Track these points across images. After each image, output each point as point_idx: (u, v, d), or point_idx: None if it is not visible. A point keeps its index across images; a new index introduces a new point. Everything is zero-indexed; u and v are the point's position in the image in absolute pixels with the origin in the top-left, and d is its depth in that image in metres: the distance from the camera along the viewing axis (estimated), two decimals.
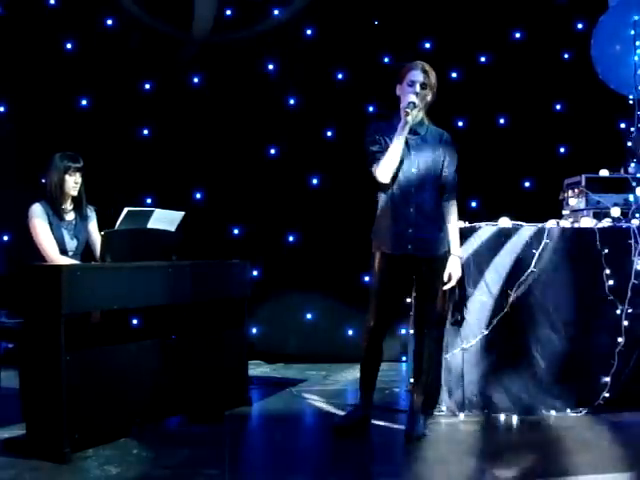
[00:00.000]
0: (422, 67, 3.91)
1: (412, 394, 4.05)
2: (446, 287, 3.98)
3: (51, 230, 4.31)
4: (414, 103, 3.83)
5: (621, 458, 3.66)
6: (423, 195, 3.89)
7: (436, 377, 4.07)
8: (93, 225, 4.52)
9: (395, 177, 3.89)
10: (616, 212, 4.64)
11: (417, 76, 3.89)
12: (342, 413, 4.37)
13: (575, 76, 6.23)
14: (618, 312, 4.38)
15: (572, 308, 4.40)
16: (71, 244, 4.39)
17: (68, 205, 4.41)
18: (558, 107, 6.45)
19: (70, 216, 4.43)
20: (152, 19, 6.09)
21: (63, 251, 4.34)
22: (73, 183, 4.34)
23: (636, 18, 5.24)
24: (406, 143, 3.89)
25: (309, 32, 6.26)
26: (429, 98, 3.94)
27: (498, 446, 3.84)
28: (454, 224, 3.95)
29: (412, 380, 4.13)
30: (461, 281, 4.11)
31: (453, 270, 3.94)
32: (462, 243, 4.24)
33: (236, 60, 6.15)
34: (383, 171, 3.85)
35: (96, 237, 4.46)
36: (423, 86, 3.89)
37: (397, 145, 3.84)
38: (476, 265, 4.35)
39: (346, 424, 4.07)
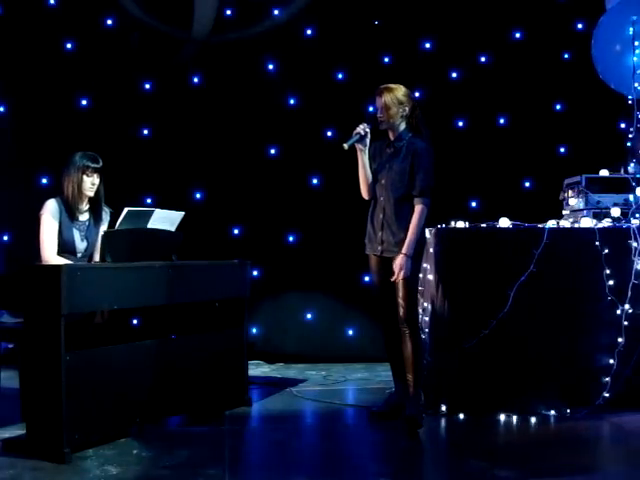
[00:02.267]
0: (379, 91, 4.16)
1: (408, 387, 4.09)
2: (392, 279, 4.04)
3: (61, 229, 4.24)
4: (359, 134, 4.09)
5: (621, 458, 3.66)
6: (391, 202, 4.10)
7: (420, 375, 4.08)
8: (103, 228, 4.39)
9: (374, 188, 4.20)
10: (616, 212, 4.64)
11: (376, 102, 4.19)
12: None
13: (575, 76, 6.24)
14: (618, 312, 4.38)
15: (572, 308, 4.40)
16: (81, 245, 4.31)
17: (84, 206, 4.33)
18: (558, 107, 6.45)
19: (84, 217, 4.34)
20: (152, 19, 6.09)
21: (72, 251, 4.29)
22: (90, 184, 4.26)
23: (635, 18, 5.24)
24: (384, 159, 4.18)
25: (309, 32, 6.26)
26: (400, 113, 4.11)
27: (498, 446, 3.84)
28: (412, 224, 4.03)
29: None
30: (410, 281, 4.06)
31: (397, 266, 4.00)
32: (462, 243, 4.26)
33: (236, 60, 6.15)
34: (362, 190, 4.25)
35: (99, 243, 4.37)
36: (386, 107, 4.11)
37: (360, 169, 4.20)
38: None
39: (381, 410, 4.27)
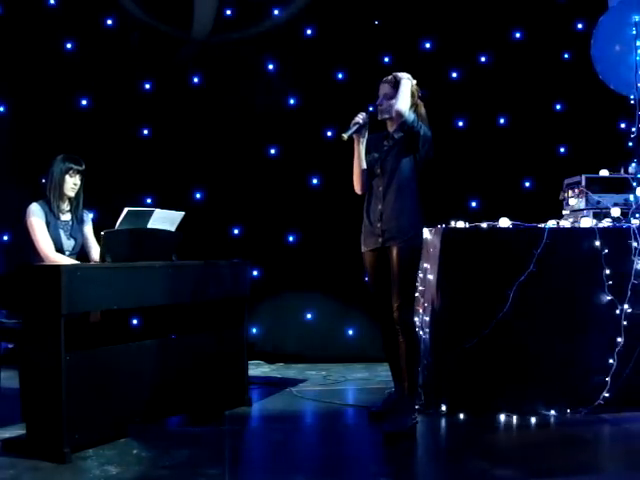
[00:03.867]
0: (387, 78, 4.11)
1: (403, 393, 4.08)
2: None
3: (48, 229, 4.34)
4: (358, 123, 4.03)
5: (621, 458, 3.66)
6: (391, 191, 4.03)
7: (415, 382, 4.05)
8: (89, 229, 4.55)
9: (370, 182, 4.12)
10: (616, 212, 4.64)
11: (381, 89, 4.12)
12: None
13: (575, 76, 6.24)
14: (618, 312, 4.38)
15: (572, 308, 4.40)
16: (68, 243, 4.41)
17: (65, 206, 4.45)
18: (558, 107, 6.45)
19: (66, 217, 4.46)
20: (152, 19, 6.09)
21: (60, 250, 4.37)
22: (72, 184, 4.40)
23: (637, 18, 5.24)
24: (382, 150, 4.10)
25: (309, 32, 6.26)
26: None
27: (498, 446, 3.84)
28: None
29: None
30: (407, 277, 4.01)
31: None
32: (462, 243, 4.26)
33: (236, 60, 6.15)
34: (355, 184, 4.19)
35: (92, 242, 4.50)
36: (387, 96, 4.07)
37: (355, 160, 4.14)
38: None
39: (380, 411, 4.23)
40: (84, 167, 4.42)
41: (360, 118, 4.05)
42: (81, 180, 4.43)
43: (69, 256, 4.40)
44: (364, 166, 4.14)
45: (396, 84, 4.05)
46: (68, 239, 4.42)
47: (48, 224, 4.35)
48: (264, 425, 4.39)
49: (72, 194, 4.42)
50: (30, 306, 3.56)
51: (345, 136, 4.00)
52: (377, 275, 4.14)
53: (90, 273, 3.66)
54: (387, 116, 4.09)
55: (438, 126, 4.32)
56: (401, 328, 3.98)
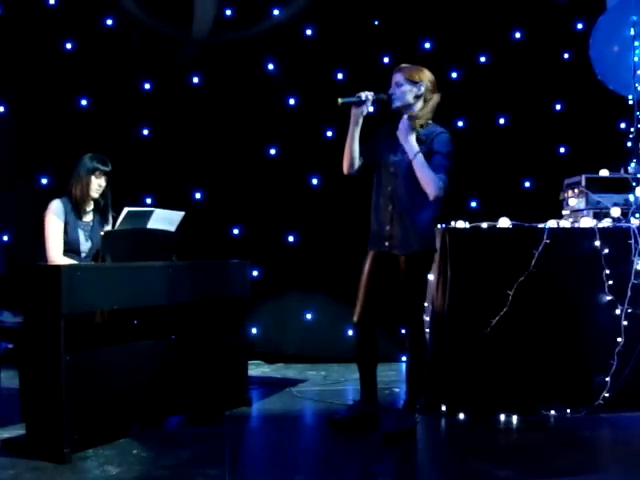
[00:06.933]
0: (399, 67, 3.98)
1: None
2: None
3: (67, 229, 4.31)
4: (359, 97, 3.89)
5: (621, 458, 3.66)
6: (404, 192, 3.86)
7: (421, 378, 4.00)
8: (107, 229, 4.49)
9: (379, 178, 3.97)
10: (616, 212, 4.64)
11: (394, 78, 3.97)
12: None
13: (575, 76, 6.24)
14: (618, 312, 4.38)
15: (572, 308, 4.41)
16: (85, 245, 4.38)
17: (88, 206, 4.41)
18: (558, 107, 6.45)
19: (88, 217, 4.43)
20: (152, 19, 6.08)
21: (76, 251, 4.33)
22: (97, 186, 4.36)
23: (634, 18, 5.24)
24: (396, 146, 3.92)
25: (309, 32, 6.26)
26: (415, 92, 3.91)
27: (498, 446, 3.84)
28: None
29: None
30: (420, 281, 3.94)
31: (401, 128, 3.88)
32: (462, 243, 4.25)
33: (236, 60, 6.15)
34: (343, 163, 3.99)
35: None
36: (398, 84, 3.93)
37: (348, 138, 3.95)
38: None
39: (341, 419, 4.12)
40: (110, 168, 4.37)
41: (364, 93, 3.89)
42: (107, 182, 4.38)
43: (84, 258, 4.36)
44: (356, 148, 3.94)
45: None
46: (86, 241, 4.38)
47: (67, 224, 4.30)
48: (264, 425, 4.38)
49: (96, 195, 4.38)
50: (30, 306, 3.55)
51: (340, 101, 3.86)
52: (375, 279, 4.04)
53: (90, 273, 3.66)
54: (400, 104, 3.93)
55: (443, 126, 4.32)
56: (410, 336, 3.91)
